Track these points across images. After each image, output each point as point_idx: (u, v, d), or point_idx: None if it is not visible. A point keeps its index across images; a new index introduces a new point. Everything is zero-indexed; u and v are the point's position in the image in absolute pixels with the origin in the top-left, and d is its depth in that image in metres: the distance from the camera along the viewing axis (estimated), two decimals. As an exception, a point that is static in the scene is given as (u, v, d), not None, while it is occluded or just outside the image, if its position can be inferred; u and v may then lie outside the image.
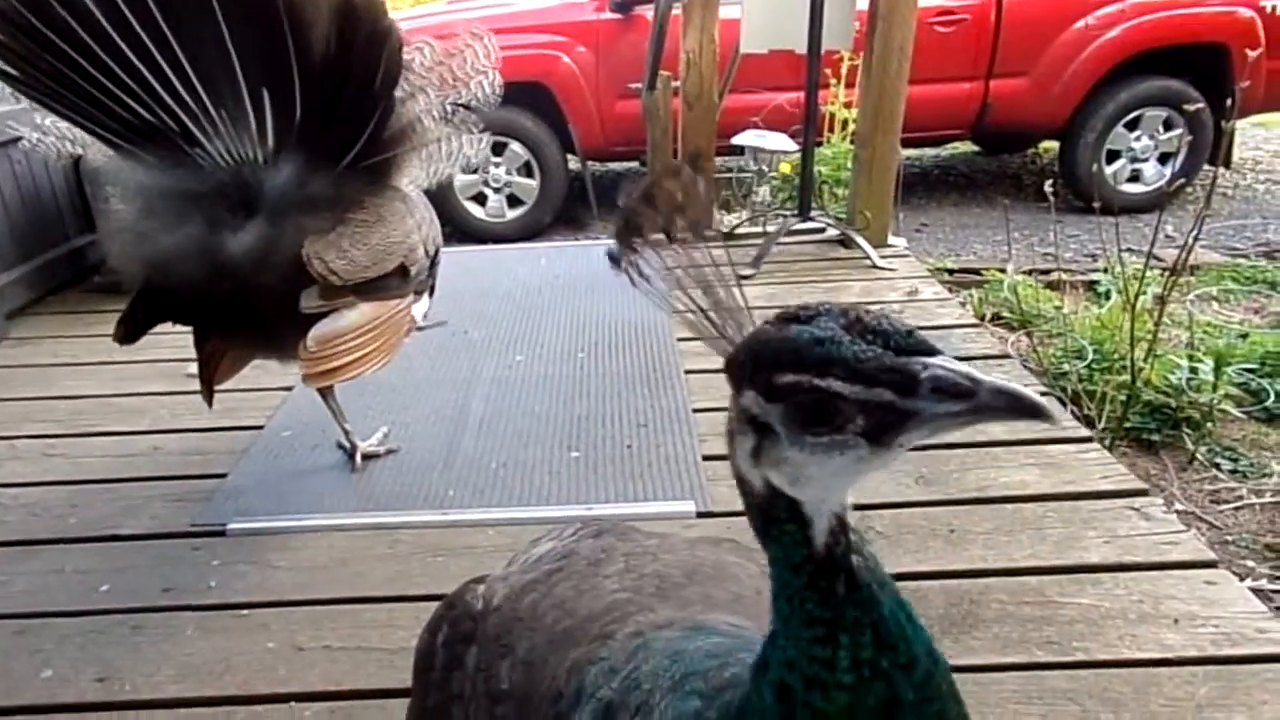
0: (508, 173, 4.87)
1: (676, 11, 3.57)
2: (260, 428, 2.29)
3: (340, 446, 2.18)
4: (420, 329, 2.22)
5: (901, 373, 0.49)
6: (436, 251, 2.03)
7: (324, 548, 1.82)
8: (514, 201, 4.97)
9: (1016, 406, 0.47)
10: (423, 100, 1.80)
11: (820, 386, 0.49)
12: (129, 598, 1.69)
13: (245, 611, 1.64)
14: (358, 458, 2.12)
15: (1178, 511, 2.20)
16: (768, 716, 0.55)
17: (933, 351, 0.50)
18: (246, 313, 1.73)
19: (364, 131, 1.67)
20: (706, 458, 2.06)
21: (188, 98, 1.56)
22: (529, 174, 4.91)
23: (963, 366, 0.49)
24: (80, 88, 1.52)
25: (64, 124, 1.71)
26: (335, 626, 1.59)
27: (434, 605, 0.87)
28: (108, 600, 1.69)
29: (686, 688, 0.62)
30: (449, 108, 1.88)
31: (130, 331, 1.76)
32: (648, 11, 4.38)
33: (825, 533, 0.54)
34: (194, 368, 2.30)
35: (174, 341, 2.89)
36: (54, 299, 3.40)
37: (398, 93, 1.72)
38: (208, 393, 1.94)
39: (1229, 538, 2.18)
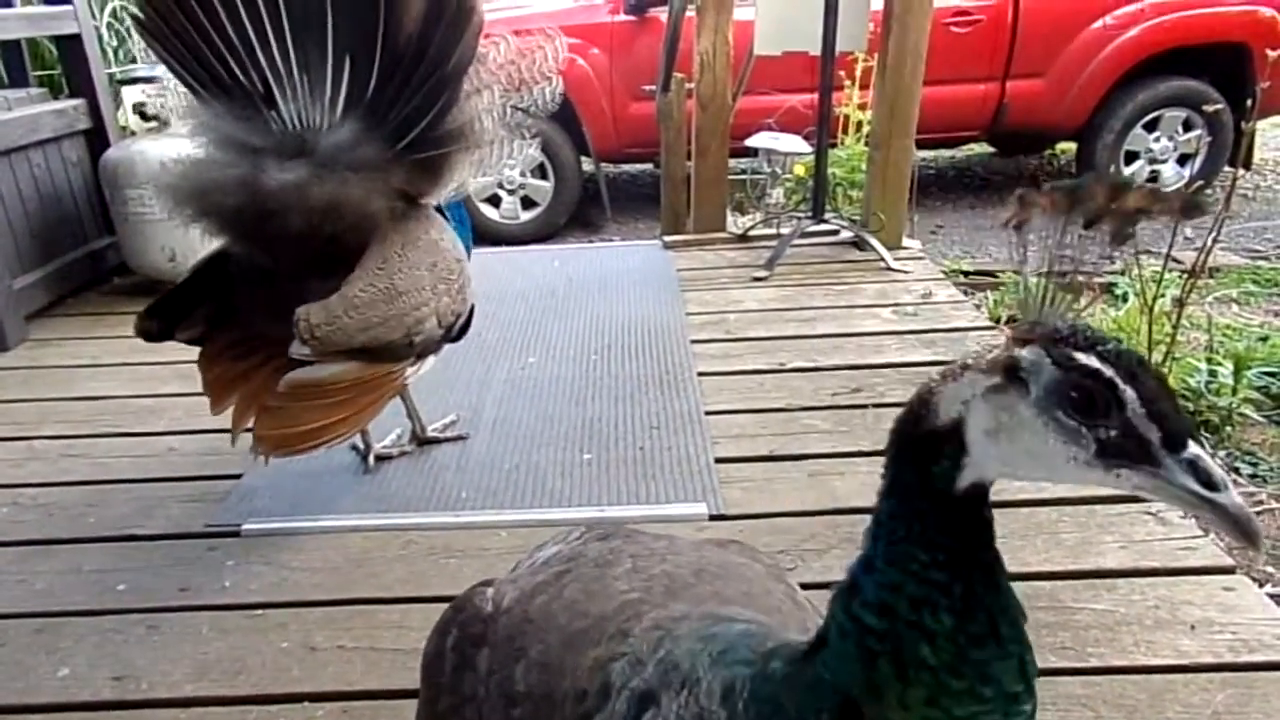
0: (522, 174, 4.88)
1: (691, 13, 3.57)
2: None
3: (353, 448, 2.19)
4: (435, 439, 2.21)
5: (1180, 432, 0.51)
6: (457, 320, 1.94)
7: (338, 549, 1.83)
8: (528, 203, 4.98)
9: (1239, 528, 0.50)
10: (487, 97, 1.79)
11: (1117, 386, 0.51)
12: (145, 597, 1.71)
13: (260, 611, 1.66)
14: (370, 459, 2.13)
15: (1195, 518, 2.18)
16: (858, 643, 0.56)
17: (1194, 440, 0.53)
18: (269, 278, 1.72)
19: (427, 114, 1.67)
20: (719, 460, 2.06)
21: (279, 60, 1.63)
22: (543, 176, 4.92)
23: (1219, 470, 0.51)
24: (194, 43, 1.63)
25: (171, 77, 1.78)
26: (349, 627, 1.60)
27: (447, 607, 0.88)
28: (124, 600, 1.71)
29: (730, 658, 0.63)
30: (509, 109, 1.85)
31: (158, 327, 1.75)
32: (662, 13, 4.38)
33: (969, 483, 0.56)
34: None
35: (191, 343, 2.93)
36: (73, 301, 3.44)
37: (466, 85, 1.72)
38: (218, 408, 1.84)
39: (1248, 543, 2.16)
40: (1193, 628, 1.48)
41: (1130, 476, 0.51)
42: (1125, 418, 0.51)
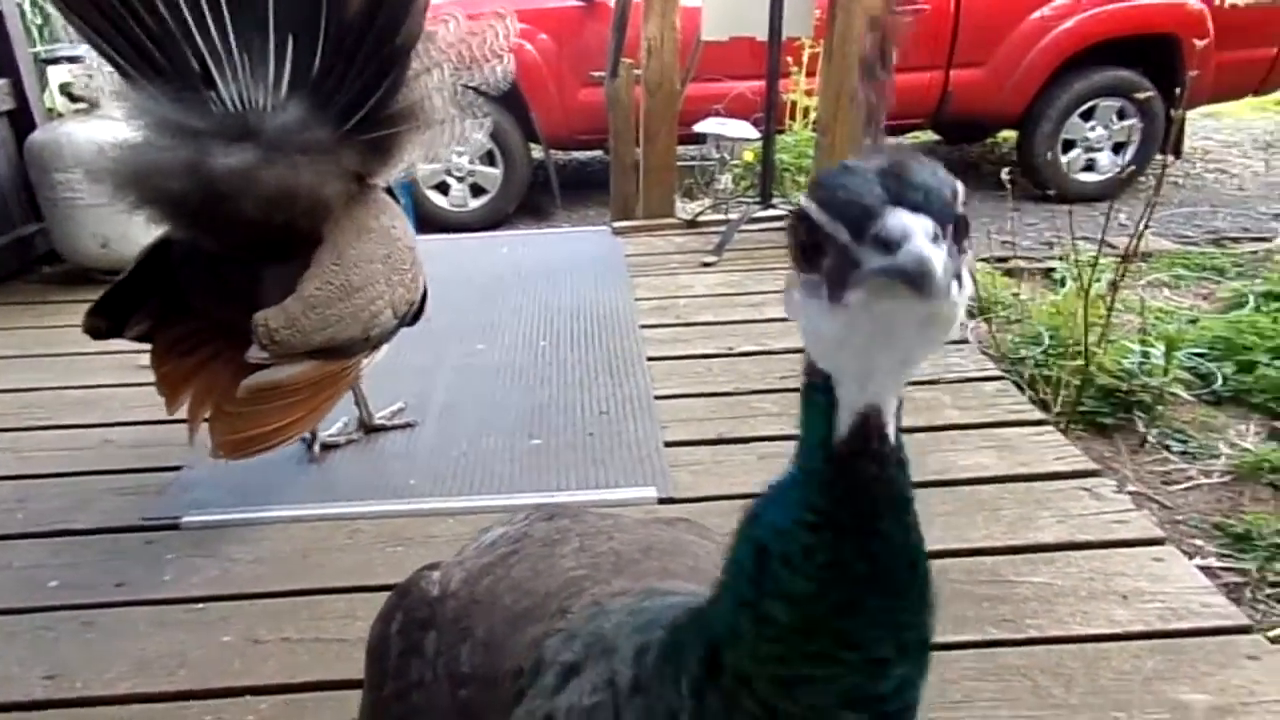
0: (470, 161, 4.82)
1: (638, -1, 3.56)
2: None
3: (300, 438, 2.14)
4: (383, 427, 2.17)
5: (862, 213, 0.43)
6: (410, 308, 1.91)
7: (282, 539, 1.80)
8: (477, 190, 4.93)
9: (908, 280, 0.41)
10: (437, 76, 1.76)
11: (807, 212, 0.46)
12: (80, 593, 1.66)
13: (201, 605, 1.62)
14: (315, 448, 2.09)
15: (1130, 492, 2.25)
16: (733, 583, 0.53)
17: (932, 210, 0.43)
18: (218, 265, 1.68)
19: (375, 92, 1.63)
20: (668, 444, 2.07)
21: (216, 38, 1.57)
22: (492, 163, 4.87)
23: (928, 230, 0.42)
24: (120, 19, 1.55)
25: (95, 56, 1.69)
26: (293, 619, 1.57)
27: (392, 592, 0.86)
28: (57, 596, 1.65)
29: (651, 625, 0.61)
30: (460, 89, 1.83)
31: (107, 325, 1.69)
32: (610, -2, 4.36)
33: (848, 422, 0.49)
34: (147, 359, 2.28)
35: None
36: None
37: (415, 64, 1.69)
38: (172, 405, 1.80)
39: (1179, 517, 2.24)
40: (1125, 598, 1.53)
41: (850, 300, 0.43)
42: (825, 235, 0.45)
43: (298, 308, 1.63)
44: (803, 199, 0.47)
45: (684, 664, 0.55)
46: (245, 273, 1.68)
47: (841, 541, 0.49)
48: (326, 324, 1.67)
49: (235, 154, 1.57)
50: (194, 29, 1.57)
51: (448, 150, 1.90)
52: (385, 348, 1.96)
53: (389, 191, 1.98)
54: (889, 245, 0.42)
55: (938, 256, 0.41)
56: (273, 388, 1.65)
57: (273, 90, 1.63)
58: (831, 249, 0.45)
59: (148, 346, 1.77)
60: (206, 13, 1.57)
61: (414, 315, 2.00)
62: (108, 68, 1.68)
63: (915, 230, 0.42)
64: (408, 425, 2.20)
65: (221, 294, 1.70)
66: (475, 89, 1.87)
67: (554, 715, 0.61)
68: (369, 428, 2.17)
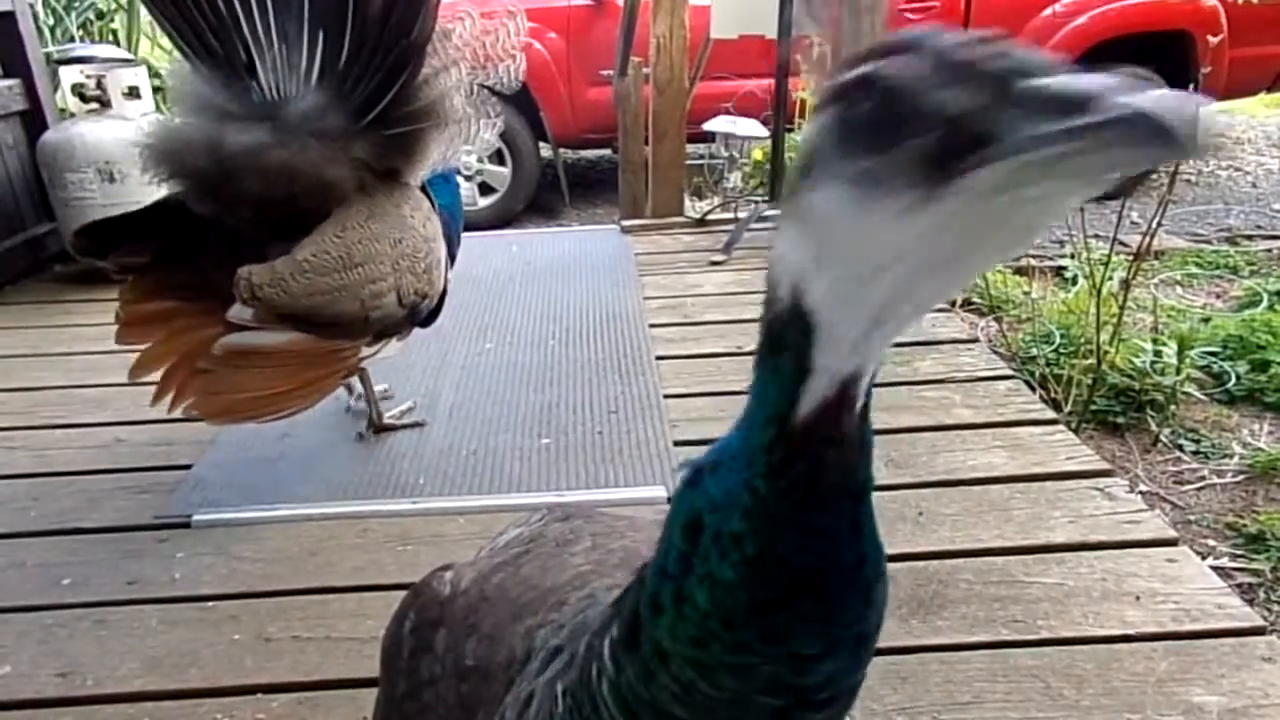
0: (479, 160, 4.82)
1: (647, -3, 3.55)
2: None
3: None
4: (392, 426, 2.18)
5: (1004, 71, 0.33)
6: (422, 300, 1.91)
7: (292, 538, 1.80)
8: (486, 189, 4.93)
9: (1153, 127, 0.30)
10: (455, 75, 1.79)
11: (881, 77, 0.35)
12: (91, 591, 1.67)
13: (211, 604, 1.62)
14: (365, 430, 2.15)
15: (1142, 492, 2.24)
16: (663, 552, 0.48)
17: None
18: (232, 239, 1.72)
19: (393, 87, 1.68)
20: (678, 443, 2.06)
21: (260, 30, 1.66)
22: (501, 161, 4.87)
23: (1085, 79, 0.32)
24: (188, 20, 1.66)
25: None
26: (303, 617, 1.58)
27: (404, 594, 0.87)
28: (69, 594, 1.66)
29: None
30: (475, 88, 1.86)
31: (88, 245, 1.71)
32: (618, -3, 4.35)
33: (819, 396, 0.41)
34: None
35: (137, 331, 2.85)
36: (11, 289, 3.32)
37: (434, 62, 1.73)
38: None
39: (1191, 517, 2.23)
40: (1138, 599, 1.52)
41: (973, 181, 0.33)
42: (923, 107, 0.34)
43: (287, 268, 1.66)
44: (866, 68, 0.36)
45: (609, 624, 0.51)
46: (256, 252, 1.72)
47: (780, 535, 0.43)
48: (317, 291, 1.69)
49: (249, 133, 1.64)
50: (242, 20, 1.66)
51: (463, 150, 1.94)
52: (395, 343, 1.96)
53: (425, 192, 2.00)
54: (1070, 105, 0.31)
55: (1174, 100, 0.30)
56: (251, 351, 1.68)
57: (303, 81, 1.70)
58: (932, 123, 0.34)
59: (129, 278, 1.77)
60: (254, 6, 1.66)
61: (429, 314, 2.01)
62: (176, 53, 1.78)
63: (1108, 81, 0.32)
64: (417, 424, 2.20)
65: (224, 256, 1.72)
66: (489, 88, 1.91)
67: (534, 692, 0.60)
68: (378, 427, 2.18)
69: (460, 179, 2.31)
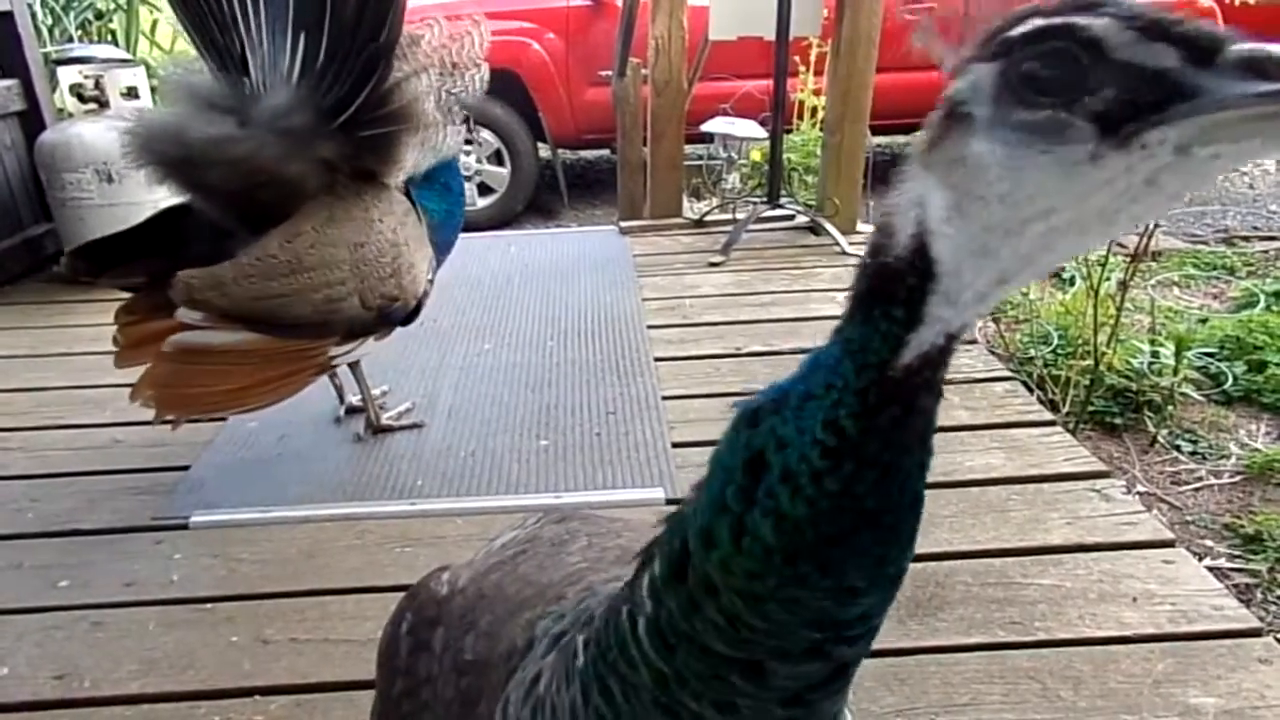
0: (478, 161, 4.83)
1: (645, -2, 3.56)
2: (224, 420, 2.26)
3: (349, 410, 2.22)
4: (390, 428, 2.19)
5: (1205, 36, 0.34)
6: (392, 304, 1.91)
7: (290, 540, 1.80)
8: (485, 190, 4.93)
9: None
10: (425, 81, 1.82)
11: (1077, 28, 0.35)
12: (89, 593, 1.67)
13: (209, 605, 1.62)
14: (364, 430, 2.17)
15: (1139, 493, 2.24)
16: (720, 484, 0.48)
17: None
18: (217, 237, 1.76)
19: (364, 89, 1.70)
20: (676, 445, 2.06)
21: (254, 28, 1.72)
22: (500, 162, 4.87)
23: None
24: (196, 17, 1.76)
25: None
26: (301, 619, 1.58)
27: (401, 595, 0.87)
28: (67, 596, 1.66)
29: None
30: (444, 95, 1.89)
31: (86, 268, 1.74)
32: (617, -2, 4.36)
33: (925, 345, 0.42)
34: None
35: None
36: (9, 289, 3.32)
37: (406, 66, 1.76)
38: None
39: (1189, 518, 2.23)
40: (1135, 600, 1.53)
41: (1162, 137, 0.34)
42: (1114, 61, 0.35)
43: (229, 273, 1.69)
44: (1052, 19, 0.36)
45: (648, 564, 0.51)
46: (233, 247, 1.75)
47: (860, 474, 0.44)
48: (264, 295, 1.71)
49: (216, 125, 1.69)
50: (239, 17, 1.72)
51: (432, 156, 1.97)
52: (371, 342, 1.97)
53: (410, 193, 2.02)
54: (1266, 68, 0.33)
55: None
56: (202, 350, 1.70)
57: (284, 80, 1.73)
58: (1127, 77, 0.34)
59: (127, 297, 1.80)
60: (250, 6, 1.71)
61: (409, 314, 2.01)
62: (188, 47, 1.87)
63: None
64: (415, 426, 2.21)
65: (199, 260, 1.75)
66: (457, 95, 1.95)
67: (541, 671, 0.60)
68: (376, 428, 2.18)
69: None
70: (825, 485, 0.44)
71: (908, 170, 0.42)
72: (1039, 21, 0.37)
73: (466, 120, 2.01)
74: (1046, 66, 0.36)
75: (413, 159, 1.89)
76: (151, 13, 4.71)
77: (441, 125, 1.89)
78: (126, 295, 1.78)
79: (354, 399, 2.28)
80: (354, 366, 2.10)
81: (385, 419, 2.20)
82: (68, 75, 3.29)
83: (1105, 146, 0.35)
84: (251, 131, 1.69)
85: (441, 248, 2.14)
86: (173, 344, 1.67)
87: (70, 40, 4.41)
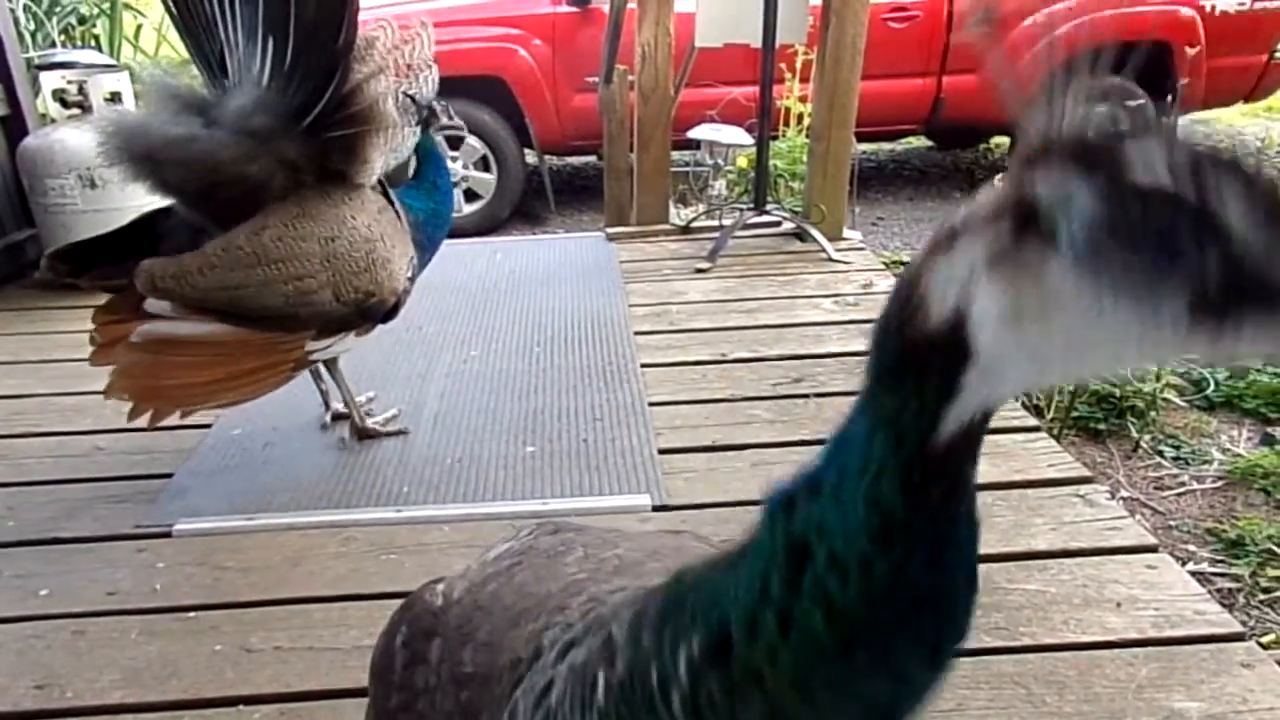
0: (464, 167, 4.82)
1: (632, 5, 3.56)
2: (208, 427, 2.24)
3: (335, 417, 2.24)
4: (375, 433, 2.19)
5: None
6: (368, 299, 1.91)
7: (274, 547, 1.79)
8: (471, 196, 4.92)
9: None
10: (384, 82, 1.84)
11: (1211, 203, 0.32)
12: (70, 602, 1.65)
13: (192, 614, 1.61)
14: (347, 435, 2.18)
15: (1123, 498, 2.26)
16: (764, 572, 0.46)
17: None
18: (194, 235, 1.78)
19: (327, 89, 1.72)
20: (662, 451, 2.06)
21: (230, 32, 1.76)
22: (486, 168, 4.86)
23: None
24: (185, 19, 1.82)
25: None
26: (286, 627, 1.57)
27: (388, 603, 0.86)
28: (48, 605, 1.64)
29: (649, 594, 0.56)
30: (401, 96, 1.92)
31: (69, 270, 1.76)
32: (604, 5, 4.36)
33: (963, 423, 0.40)
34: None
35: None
36: (-9, 296, 3.29)
37: (364, 68, 1.78)
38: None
39: (1172, 523, 2.25)
40: (1119, 605, 1.53)
41: (1256, 329, 0.33)
42: (1229, 247, 0.32)
43: (193, 263, 1.71)
44: (1220, 175, 0.33)
45: (683, 633, 0.49)
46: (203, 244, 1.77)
47: (912, 555, 0.42)
48: (228, 285, 1.73)
49: (179, 126, 1.72)
50: (218, 21, 1.75)
51: (394, 158, 2.00)
52: (351, 338, 1.98)
53: (387, 195, 2.03)
54: None
55: None
56: (169, 340, 1.73)
57: (255, 83, 1.76)
58: (1236, 264, 0.32)
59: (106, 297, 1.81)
60: (228, 10, 1.74)
61: (387, 310, 2.01)
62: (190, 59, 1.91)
63: None
64: (401, 432, 2.20)
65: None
66: (412, 98, 1.99)
67: (554, 680, 0.60)
68: (362, 432, 2.17)
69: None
70: (877, 570, 0.42)
71: (955, 241, 0.39)
72: (1161, 173, 0.33)
73: (421, 122, 2.05)
74: (1163, 231, 0.33)
75: (380, 159, 1.91)
76: (135, 18, 4.69)
77: (400, 126, 1.92)
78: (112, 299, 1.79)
79: (339, 405, 2.27)
80: (333, 371, 2.10)
81: (371, 424, 2.19)
82: (50, 80, 3.27)
83: (1200, 323, 0.33)
84: (212, 132, 1.72)
85: (428, 245, 2.14)
86: (141, 334, 1.70)
87: (53, 45, 4.39)
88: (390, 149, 1.94)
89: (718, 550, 0.85)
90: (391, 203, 2.01)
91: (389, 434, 2.19)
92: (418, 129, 2.02)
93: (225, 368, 1.80)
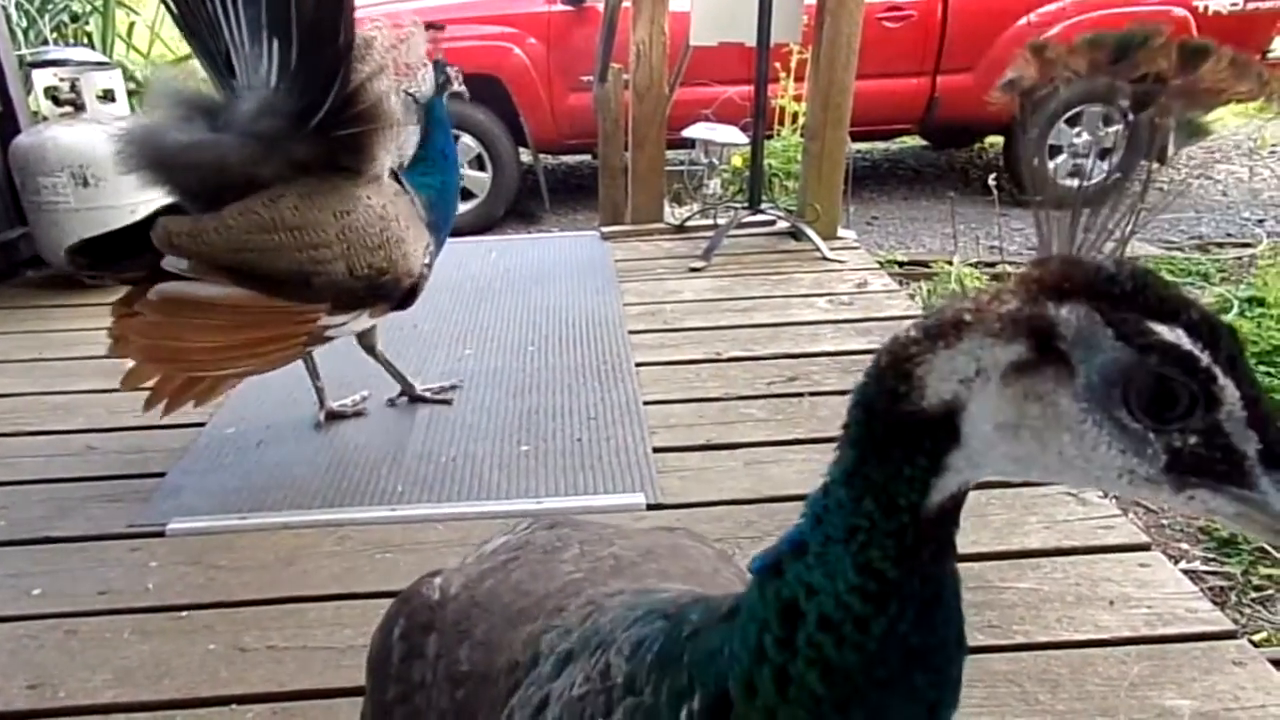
0: (459, 166, 4.81)
1: (627, 4, 3.56)
2: (202, 425, 2.23)
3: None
4: (423, 398, 2.29)
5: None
6: (381, 276, 1.93)
7: (268, 547, 1.78)
8: (465, 195, 4.90)
9: None
10: (386, 80, 1.86)
11: (1216, 379, 0.38)
12: (63, 601, 1.64)
13: (185, 613, 1.60)
14: (321, 415, 2.24)
15: (1116, 497, 2.27)
16: (757, 634, 0.48)
17: None
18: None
19: (331, 89, 1.74)
20: (657, 450, 2.06)
21: (237, 35, 1.78)
22: (481, 167, 4.86)
23: None
24: (186, 19, 1.84)
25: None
26: (279, 626, 1.56)
27: (382, 602, 0.86)
28: (40, 604, 1.64)
29: (648, 617, 0.58)
30: (401, 94, 1.94)
31: (88, 263, 1.81)
32: (599, 3, 4.36)
33: (949, 494, 0.44)
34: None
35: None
36: (-17, 294, 3.28)
37: (367, 67, 1.80)
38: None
39: (1164, 521, 2.25)
40: (1111, 603, 1.54)
41: (1208, 499, 0.39)
42: (1216, 421, 0.38)
43: (211, 222, 1.75)
44: (1192, 348, 0.38)
45: (682, 686, 0.51)
46: None
47: (904, 613, 0.44)
48: (245, 247, 1.76)
49: (186, 132, 1.74)
50: (223, 23, 1.77)
51: (398, 156, 2.02)
52: (366, 317, 2.01)
53: (401, 183, 2.08)
54: None
55: None
56: (186, 300, 1.76)
57: (263, 85, 1.78)
58: (1214, 440, 0.38)
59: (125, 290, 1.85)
60: (232, 11, 1.76)
61: (405, 295, 2.04)
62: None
63: None
64: (446, 402, 2.30)
65: None
66: (411, 95, 2.03)
67: (548, 698, 0.60)
68: (413, 397, 2.30)
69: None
70: (871, 629, 0.44)
71: (962, 335, 0.42)
72: (1182, 342, 0.38)
73: (417, 124, 2.11)
74: (1167, 392, 0.38)
75: (387, 156, 1.93)
76: (128, 15, 4.67)
77: (404, 124, 1.95)
78: (109, 299, 1.83)
79: (334, 404, 2.27)
80: (375, 351, 2.20)
81: (422, 390, 2.28)
82: (43, 78, 3.25)
83: (1167, 477, 0.39)
84: (223, 136, 1.74)
85: (442, 224, 2.19)
86: (156, 292, 1.72)
87: (45, 43, 4.37)
88: (396, 146, 1.96)
89: (709, 548, 0.85)
90: (406, 191, 2.06)
91: (439, 402, 2.30)
92: (417, 129, 2.06)
93: (239, 334, 1.83)
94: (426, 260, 2.07)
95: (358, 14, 1.79)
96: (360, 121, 1.81)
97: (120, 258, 1.81)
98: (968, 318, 0.42)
